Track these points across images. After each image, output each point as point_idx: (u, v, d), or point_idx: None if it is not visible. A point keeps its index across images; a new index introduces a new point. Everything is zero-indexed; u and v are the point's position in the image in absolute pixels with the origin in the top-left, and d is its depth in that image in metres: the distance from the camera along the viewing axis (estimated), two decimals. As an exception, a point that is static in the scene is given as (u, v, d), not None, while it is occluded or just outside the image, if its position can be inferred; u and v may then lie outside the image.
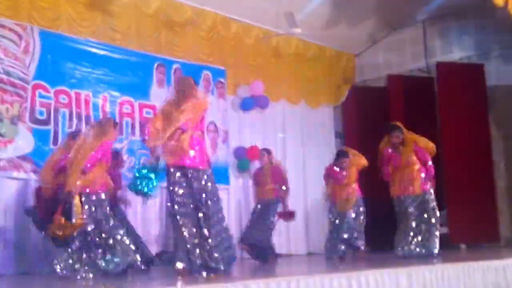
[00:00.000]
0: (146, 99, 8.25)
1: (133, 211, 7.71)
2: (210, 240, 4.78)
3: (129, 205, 6.97)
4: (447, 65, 10.11)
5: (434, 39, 10.73)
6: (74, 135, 6.30)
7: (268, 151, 8.20)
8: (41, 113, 7.16)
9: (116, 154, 6.60)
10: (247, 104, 9.48)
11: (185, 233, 4.81)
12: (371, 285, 4.36)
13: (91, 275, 5.39)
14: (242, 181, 9.43)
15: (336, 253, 7.46)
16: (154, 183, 5.03)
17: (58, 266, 5.45)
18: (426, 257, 6.71)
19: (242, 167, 9.30)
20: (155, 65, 8.45)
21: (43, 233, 5.98)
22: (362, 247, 7.64)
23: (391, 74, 10.66)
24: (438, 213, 7.07)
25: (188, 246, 4.80)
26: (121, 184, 6.68)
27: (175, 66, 8.65)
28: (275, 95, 10.09)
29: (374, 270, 4.55)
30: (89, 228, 5.43)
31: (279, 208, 8.01)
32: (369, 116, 10.41)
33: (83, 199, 5.42)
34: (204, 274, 4.67)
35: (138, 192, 5.13)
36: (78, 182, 5.39)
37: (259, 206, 7.92)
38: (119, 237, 5.50)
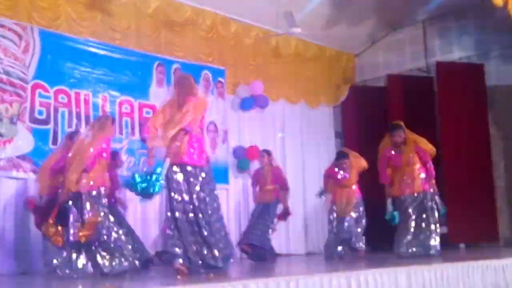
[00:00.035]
0: (145, 99, 8.25)
1: (132, 211, 7.72)
2: (208, 238, 4.78)
3: (126, 207, 6.97)
4: (446, 65, 10.11)
5: (433, 39, 10.73)
6: (72, 135, 6.31)
7: (268, 152, 8.21)
8: (40, 113, 7.16)
9: (114, 154, 6.60)
10: (246, 104, 9.49)
11: (183, 229, 4.80)
12: (370, 285, 4.36)
13: (89, 274, 5.39)
14: (241, 181, 9.43)
15: (335, 254, 7.46)
16: (160, 181, 4.97)
17: (57, 265, 5.44)
18: (426, 257, 6.71)
19: (241, 167, 9.30)
20: (155, 65, 8.45)
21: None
22: (362, 249, 7.63)
23: (390, 74, 10.67)
24: (437, 213, 7.05)
25: (185, 243, 4.79)
26: (118, 184, 6.69)
27: (174, 66, 8.65)
28: (275, 95, 10.10)
29: (373, 270, 4.55)
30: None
31: (279, 209, 8.02)
32: (369, 116, 10.42)
33: (83, 197, 5.42)
34: (202, 271, 4.67)
35: (145, 193, 5.04)
36: (84, 181, 5.40)
37: (259, 208, 7.93)
38: (117, 236, 5.50)
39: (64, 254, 5.48)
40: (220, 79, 9.27)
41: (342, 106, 11.27)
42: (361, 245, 7.60)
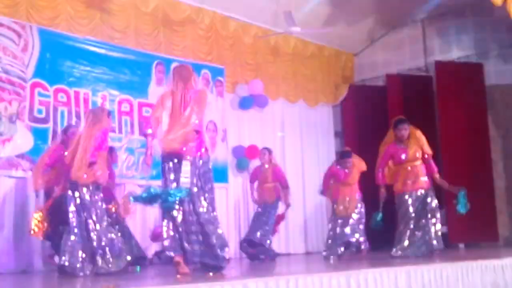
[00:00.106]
0: (145, 98, 8.25)
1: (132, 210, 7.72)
2: (209, 236, 4.77)
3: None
4: (445, 64, 10.12)
5: (433, 38, 10.74)
6: (66, 130, 6.37)
7: (269, 150, 8.22)
8: (39, 112, 7.16)
9: (110, 149, 6.58)
10: (245, 103, 9.49)
11: (179, 219, 4.79)
12: (369, 285, 4.36)
13: (88, 272, 5.38)
14: (241, 180, 9.43)
15: (336, 254, 7.44)
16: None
17: (62, 258, 5.41)
18: (427, 255, 6.69)
19: (241, 166, 9.30)
20: (154, 63, 8.45)
21: None
22: (365, 248, 7.62)
23: (389, 73, 10.67)
24: (439, 211, 7.02)
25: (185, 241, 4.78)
26: (114, 180, 6.70)
27: (173, 64, 8.62)
28: (274, 93, 10.11)
29: (373, 269, 4.55)
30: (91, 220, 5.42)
31: (280, 208, 8.01)
32: (368, 115, 10.42)
33: (84, 189, 5.42)
34: (202, 269, 4.67)
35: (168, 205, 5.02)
36: (85, 176, 5.40)
37: (259, 209, 7.93)
38: (113, 234, 5.49)
39: (64, 250, 5.44)
40: (219, 78, 9.27)
41: (341, 105, 11.28)
42: (365, 244, 7.58)
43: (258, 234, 7.77)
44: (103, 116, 5.71)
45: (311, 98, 10.85)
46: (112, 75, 7.94)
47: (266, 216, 7.85)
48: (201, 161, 4.86)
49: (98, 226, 5.43)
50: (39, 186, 6.03)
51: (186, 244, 4.75)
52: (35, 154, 6.85)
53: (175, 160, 4.74)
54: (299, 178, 10.28)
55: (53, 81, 7.32)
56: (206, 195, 4.84)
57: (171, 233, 4.79)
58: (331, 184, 7.69)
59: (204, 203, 4.74)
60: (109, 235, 5.48)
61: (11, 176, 6.82)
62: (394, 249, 6.89)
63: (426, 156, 6.97)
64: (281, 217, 8.12)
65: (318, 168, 10.55)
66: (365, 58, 11.63)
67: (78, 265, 5.35)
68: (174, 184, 4.75)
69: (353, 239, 7.45)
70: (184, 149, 4.67)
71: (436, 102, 9.97)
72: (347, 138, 10.78)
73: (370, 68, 11.47)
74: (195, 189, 4.74)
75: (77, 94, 7.53)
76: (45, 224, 5.80)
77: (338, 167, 7.60)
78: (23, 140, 6.92)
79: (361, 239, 7.55)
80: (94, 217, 5.43)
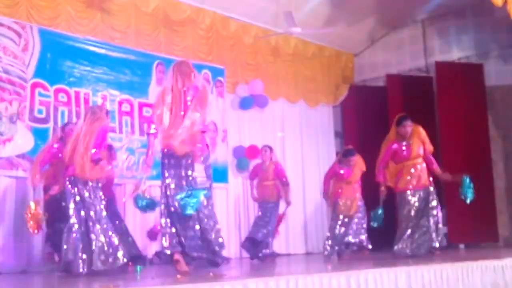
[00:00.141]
0: (145, 98, 8.25)
1: (132, 209, 7.72)
2: (208, 233, 4.79)
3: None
4: (446, 65, 10.12)
5: (433, 38, 10.75)
6: (64, 127, 6.40)
7: (270, 148, 8.23)
8: (40, 112, 7.16)
9: (109, 147, 6.59)
10: (246, 103, 9.49)
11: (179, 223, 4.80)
12: (370, 285, 4.36)
13: (86, 270, 5.37)
14: (241, 180, 9.43)
15: (337, 253, 7.41)
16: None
17: (66, 255, 5.40)
18: (429, 253, 6.69)
19: (241, 166, 9.30)
20: (155, 64, 8.45)
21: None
22: (369, 246, 7.60)
23: (390, 73, 10.68)
24: (440, 209, 6.99)
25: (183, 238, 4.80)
26: (113, 177, 6.71)
27: (174, 64, 8.64)
28: (274, 94, 10.11)
29: (373, 270, 4.55)
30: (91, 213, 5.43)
31: (281, 207, 8.02)
32: (368, 115, 10.43)
33: (84, 186, 5.43)
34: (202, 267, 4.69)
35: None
36: (88, 173, 5.42)
37: (260, 212, 7.93)
38: (111, 233, 5.49)
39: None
40: (219, 78, 9.28)
41: (342, 105, 11.28)
42: (368, 242, 7.56)
43: (260, 234, 7.77)
44: (102, 114, 5.72)
45: (312, 98, 10.86)
46: (112, 75, 7.94)
47: (268, 216, 7.85)
48: (202, 158, 4.89)
49: (97, 225, 5.42)
50: (36, 181, 6.04)
51: (183, 240, 4.75)
52: (36, 154, 6.83)
53: (184, 161, 4.77)
54: (299, 178, 10.28)
55: (54, 81, 7.32)
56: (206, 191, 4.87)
57: (169, 230, 4.80)
58: (331, 184, 7.66)
59: (204, 200, 4.76)
60: (107, 233, 5.47)
61: (12, 176, 6.83)
62: (395, 247, 6.85)
63: (427, 152, 6.96)
64: (282, 216, 8.11)
65: (318, 168, 10.56)
66: (366, 59, 11.64)
67: (80, 262, 5.35)
68: (169, 180, 4.78)
69: (357, 240, 7.43)
70: (194, 151, 4.72)
71: (436, 102, 9.98)
72: (347, 138, 10.78)
73: (371, 68, 11.47)
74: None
75: (77, 94, 7.53)
76: (40, 216, 5.80)
77: (341, 165, 7.57)
78: (23, 140, 6.93)
79: (364, 238, 7.53)
80: (93, 215, 5.42)
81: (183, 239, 4.77)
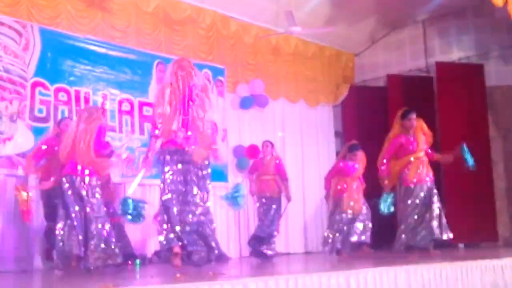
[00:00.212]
0: (145, 97, 8.26)
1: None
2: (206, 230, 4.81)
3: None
4: (446, 65, 10.12)
5: (433, 39, 10.75)
6: (59, 122, 6.42)
7: (271, 143, 8.24)
8: (40, 111, 7.17)
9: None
10: (246, 103, 9.49)
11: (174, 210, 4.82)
12: (369, 284, 4.36)
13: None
14: (241, 180, 9.41)
15: (339, 249, 7.37)
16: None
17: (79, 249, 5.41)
18: (432, 244, 6.70)
19: (241, 166, 9.30)
20: (155, 63, 8.45)
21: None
22: (368, 246, 7.56)
23: (390, 73, 10.68)
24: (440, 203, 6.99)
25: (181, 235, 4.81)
26: (110, 176, 6.72)
27: (173, 63, 8.64)
28: (275, 93, 10.12)
29: (372, 269, 4.55)
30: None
31: (283, 203, 8.03)
32: (369, 115, 10.43)
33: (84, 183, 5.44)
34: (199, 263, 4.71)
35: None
36: (93, 169, 5.48)
37: (263, 208, 7.92)
38: (107, 230, 5.49)
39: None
40: (220, 77, 9.28)
41: (342, 105, 11.29)
42: (369, 242, 7.53)
43: (265, 228, 7.79)
44: (98, 114, 5.73)
45: (312, 98, 10.86)
46: (112, 74, 7.95)
47: (272, 212, 7.85)
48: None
49: (95, 223, 5.40)
50: (30, 171, 6.07)
51: (181, 234, 4.76)
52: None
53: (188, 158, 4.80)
54: (299, 178, 10.28)
55: (54, 80, 7.33)
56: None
57: (165, 226, 4.82)
58: (334, 181, 7.58)
59: (201, 194, 4.80)
60: (105, 231, 5.45)
61: (12, 175, 6.82)
62: (399, 240, 6.84)
63: (428, 145, 6.99)
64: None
65: (319, 168, 10.56)
66: (366, 59, 11.65)
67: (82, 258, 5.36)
68: (170, 176, 4.80)
69: (361, 239, 7.36)
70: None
71: (437, 102, 9.97)
72: (347, 138, 10.73)
73: (371, 68, 11.48)
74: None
75: (77, 93, 7.54)
76: (28, 197, 5.84)
77: (346, 160, 7.51)
78: (23, 139, 6.93)
79: (368, 237, 7.48)
80: (91, 213, 5.40)
81: (180, 234, 4.79)
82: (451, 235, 6.84)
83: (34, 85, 7.14)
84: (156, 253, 7.37)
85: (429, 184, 6.87)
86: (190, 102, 4.85)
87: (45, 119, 7.18)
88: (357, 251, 7.55)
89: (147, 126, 7.93)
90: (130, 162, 5.93)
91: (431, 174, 6.93)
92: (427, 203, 6.83)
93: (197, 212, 4.81)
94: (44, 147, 6.13)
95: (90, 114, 5.66)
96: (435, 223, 6.75)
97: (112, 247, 5.42)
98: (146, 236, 7.72)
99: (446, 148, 9.29)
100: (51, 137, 6.29)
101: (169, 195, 4.86)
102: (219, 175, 8.56)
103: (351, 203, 7.32)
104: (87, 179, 5.46)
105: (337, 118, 11.34)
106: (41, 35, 7.23)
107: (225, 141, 9.19)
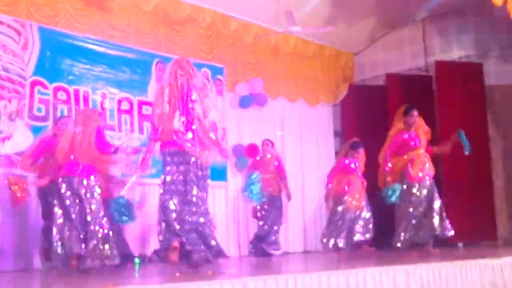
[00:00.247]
0: (144, 96, 8.25)
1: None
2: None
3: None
4: (446, 64, 10.11)
5: (433, 38, 10.74)
6: (57, 121, 6.43)
7: (271, 142, 8.24)
8: (39, 110, 7.16)
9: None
10: (245, 102, 9.48)
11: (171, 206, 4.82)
12: (368, 283, 4.37)
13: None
14: (240, 179, 9.42)
15: (336, 247, 7.37)
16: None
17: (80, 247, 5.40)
18: (433, 240, 6.73)
19: (240, 165, 9.29)
20: (155, 62, 8.45)
21: None
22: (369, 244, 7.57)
23: (390, 73, 10.67)
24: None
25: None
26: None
27: (173, 62, 8.64)
28: (274, 93, 10.11)
29: (372, 268, 4.56)
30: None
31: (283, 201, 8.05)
32: (368, 115, 10.41)
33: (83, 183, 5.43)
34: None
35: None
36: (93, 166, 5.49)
37: (264, 207, 7.93)
38: (107, 232, 5.49)
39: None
40: (219, 76, 9.27)
41: (341, 104, 11.28)
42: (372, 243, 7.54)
43: (266, 227, 7.80)
44: (95, 116, 5.72)
45: (311, 97, 10.86)
46: (112, 73, 7.94)
47: (274, 211, 7.87)
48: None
49: (92, 224, 5.38)
50: (27, 169, 6.13)
51: (180, 232, 4.77)
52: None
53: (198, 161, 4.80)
54: (299, 177, 10.28)
55: (53, 79, 7.32)
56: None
57: (163, 225, 4.84)
58: (335, 180, 7.54)
59: (201, 194, 4.81)
60: (103, 231, 5.44)
61: (11, 174, 6.80)
62: (400, 236, 6.84)
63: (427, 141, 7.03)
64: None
65: (318, 167, 10.56)
66: (366, 58, 11.64)
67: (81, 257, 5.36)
68: (170, 177, 4.81)
69: (367, 236, 7.33)
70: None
71: (436, 101, 9.96)
72: (347, 137, 10.73)
73: (370, 67, 11.47)
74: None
75: (76, 92, 7.52)
76: (22, 183, 5.90)
77: (349, 158, 7.50)
78: (22, 138, 6.91)
79: (371, 237, 7.47)
80: (90, 213, 5.38)
81: (179, 232, 4.79)
82: (452, 232, 6.85)
83: (33, 84, 7.12)
84: (156, 252, 7.36)
85: (431, 181, 6.90)
86: (190, 102, 4.85)
87: (44, 118, 7.17)
88: (357, 250, 7.55)
89: (147, 125, 7.93)
90: (133, 153, 5.89)
91: (432, 170, 6.96)
92: (429, 200, 6.86)
93: (197, 212, 4.81)
94: (41, 145, 6.13)
95: (87, 116, 5.64)
96: (436, 220, 6.77)
97: (110, 248, 5.39)
98: (146, 235, 7.71)
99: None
100: (48, 136, 6.29)
101: (169, 195, 4.86)
102: (219, 174, 8.54)
103: (354, 202, 7.30)
104: (85, 179, 5.44)
105: (336, 118, 11.34)
106: (40, 34, 7.22)
107: (224, 140, 9.18)
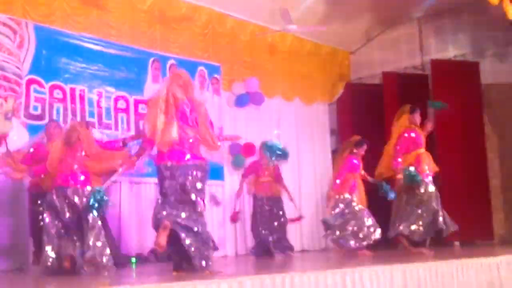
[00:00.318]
0: (140, 95, 8.23)
1: (128, 207, 7.73)
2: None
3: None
4: (442, 63, 10.13)
5: (429, 36, 10.76)
6: (46, 126, 6.45)
7: None
8: (35, 108, 7.14)
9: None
10: (242, 101, 9.47)
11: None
12: (365, 282, 4.37)
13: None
14: (237, 178, 9.41)
15: (343, 246, 7.36)
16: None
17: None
18: (434, 236, 6.85)
19: (237, 164, 9.29)
20: (151, 61, 8.43)
21: None
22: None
23: (386, 71, 10.67)
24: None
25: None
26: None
27: (170, 62, 8.63)
28: (270, 91, 10.10)
29: (369, 267, 4.56)
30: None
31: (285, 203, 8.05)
32: (364, 113, 10.42)
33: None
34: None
35: None
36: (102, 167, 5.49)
37: (265, 210, 7.91)
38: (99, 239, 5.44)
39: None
40: (215, 75, 9.26)
41: (337, 103, 11.28)
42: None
43: (263, 231, 7.81)
44: (83, 128, 5.69)
45: (308, 96, 10.86)
46: (108, 72, 7.92)
47: (275, 213, 7.88)
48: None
49: (89, 235, 5.28)
50: (19, 174, 6.12)
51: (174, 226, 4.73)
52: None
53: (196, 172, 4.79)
54: (295, 176, 10.28)
55: (49, 78, 7.29)
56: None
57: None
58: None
59: (199, 199, 4.80)
60: (99, 240, 5.36)
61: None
62: (401, 227, 6.86)
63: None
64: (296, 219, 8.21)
65: (314, 166, 10.56)
66: (362, 56, 11.64)
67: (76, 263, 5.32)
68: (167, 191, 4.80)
69: (369, 230, 7.32)
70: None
71: (432, 100, 9.97)
72: (342, 136, 10.77)
73: (367, 66, 11.47)
74: None
75: (73, 90, 7.51)
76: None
77: (355, 157, 7.48)
78: (18, 137, 6.89)
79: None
80: (86, 222, 5.29)
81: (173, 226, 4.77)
82: (457, 227, 6.92)
83: (29, 82, 7.10)
84: (153, 252, 7.36)
85: (432, 177, 6.99)
86: (187, 114, 4.81)
87: (40, 117, 7.15)
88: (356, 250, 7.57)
89: (143, 123, 7.90)
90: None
91: (435, 169, 7.05)
92: (434, 197, 6.94)
93: (193, 217, 4.77)
94: (31, 150, 6.11)
95: (68, 137, 5.54)
96: (440, 215, 6.83)
97: (106, 259, 5.28)
98: (143, 235, 7.69)
99: (441, 145, 9.36)
100: (38, 141, 6.27)
101: (166, 200, 4.81)
102: (215, 173, 8.54)
103: (359, 202, 7.38)
104: (80, 189, 5.36)
105: (332, 116, 11.34)
106: (36, 32, 7.19)
107: (222, 142, 9.16)
